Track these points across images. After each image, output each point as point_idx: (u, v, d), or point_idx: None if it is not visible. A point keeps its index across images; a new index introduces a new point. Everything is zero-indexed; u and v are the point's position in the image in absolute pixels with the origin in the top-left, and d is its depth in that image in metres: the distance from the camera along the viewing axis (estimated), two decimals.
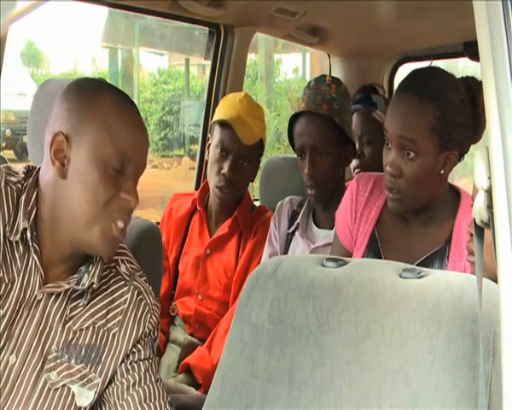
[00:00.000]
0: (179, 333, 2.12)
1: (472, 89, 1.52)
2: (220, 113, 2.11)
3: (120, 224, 1.20)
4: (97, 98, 1.20)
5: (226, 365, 1.07)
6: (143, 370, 1.23)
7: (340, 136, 1.91)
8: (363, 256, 1.61)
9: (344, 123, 1.90)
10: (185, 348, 2.08)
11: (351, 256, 1.65)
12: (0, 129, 9.53)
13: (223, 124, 2.06)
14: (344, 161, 1.97)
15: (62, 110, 1.19)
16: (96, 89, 1.22)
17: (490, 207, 0.75)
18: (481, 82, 1.56)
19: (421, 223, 1.58)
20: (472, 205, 1.31)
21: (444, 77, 1.54)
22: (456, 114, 1.49)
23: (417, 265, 1.51)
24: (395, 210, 1.56)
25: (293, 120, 1.94)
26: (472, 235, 1.30)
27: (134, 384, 1.22)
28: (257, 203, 2.31)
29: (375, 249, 1.61)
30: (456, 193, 1.60)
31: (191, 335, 2.10)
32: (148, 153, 1.26)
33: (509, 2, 0.71)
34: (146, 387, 1.22)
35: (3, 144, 9.67)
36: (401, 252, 1.57)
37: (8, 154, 9.35)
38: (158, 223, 2.23)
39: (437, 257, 1.54)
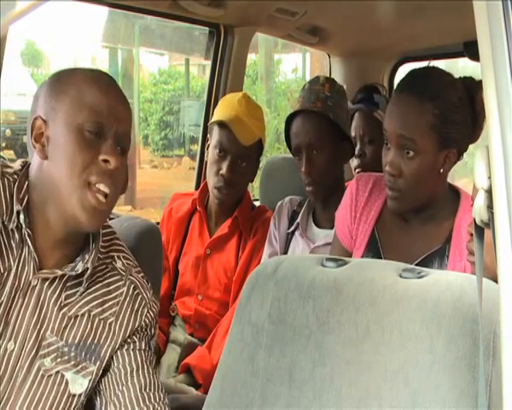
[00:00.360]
0: (179, 333, 2.12)
1: (470, 88, 1.53)
2: (219, 113, 2.11)
3: (102, 187, 1.17)
4: (72, 75, 1.23)
5: (226, 365, 1.07)
6: (140, 360, 1.24)
7: (335, 132, 1.91)
8: (362, 256, 1.61)
9: (338, 119, 1.91)
10: (185, 348, 2.08)
11: (350, 256, 1.65)
12: (0, 129, 9.53)
13: (221, 124, 2.06)
14: (341, 157, 1.97)
15: (39, 99, 1.23)
16: (72, 70, 1.26)
17: (490, 207, 0.75)
18: (480, 82, 1.57)
19: (421, 222, 1.58)
20: (472, 205, 1.32)
21: (442, 76, 1.55)
22: (455, 113, 1.49)
23: (417, 264, 1.51)
24: (395, 209, 1.56)
25: (290, 121, 1.95)
26: (472, 235, 1.31)
27: (132, 372, 1.22)
28: (257, 203, 2.31)
29: (374, 249, 1.61)
30: (455, 193, 1.60)
31: (191, 335, 2.10)
32: (131, 124, 1.25)
33: (508, 3, 0.71)
34: (146, 376, 1.22)
35: (3, 144, 9.66)
36: (401, 251, 1.57)
37: (8, 154, 9.34)
38: (158, 223, 2.23)
39: (437, 256, 1.54)
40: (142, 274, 1.31)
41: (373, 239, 1.62)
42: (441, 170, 1.52)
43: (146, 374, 1.23)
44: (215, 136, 2.08)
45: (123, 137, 1.22)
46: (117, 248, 1.31)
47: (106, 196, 1.18)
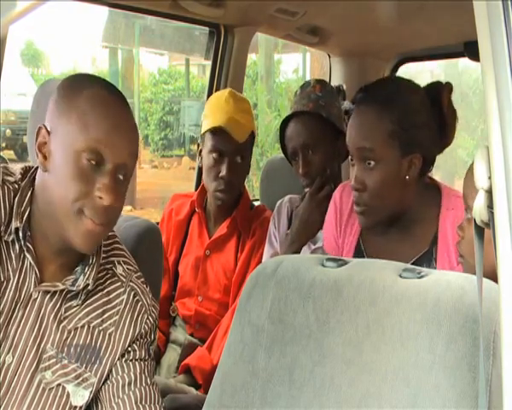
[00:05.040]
0: (179, 333, 2.12)
1: (435, 91, 1.53)
2: (211, 119, 2.07)
3: (95, 220, 1.15)
4: (78, 92, 1.18)
5: (226, 365, 1.07)
6: (139, 370, 1.23)
7: (329, 130, 1.91)
8: None
9: (331, 116, 1.91)
10: (185, 348, 2.08)
11: None
12: (0, 129, 9.53)
13: (215, 129, 2.04)
14: (338, 155, 1.96)
15: (50, 104, 1.21)
16: (81, 83, 1.21)
17: (490, 207, 0.75)
18: (446, 83, 1.57)
19: (403, 227, 1.55)
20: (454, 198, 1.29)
21: (399, 82, 1.55)
22: (416, 116, 1.47)
23: None
24: (364, 224, 1.54)
25: (284, 128, 1.95)
26: (461, 236, 1.31)
27: (130, 384, 1.21)
28: (257, 204, 2.31)
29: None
30: (436, 192, 1.56)
31: (191, 335, 2.10)
32: (137, 146, 1.21)
33: (509, 3, 0.71)
34: (142, 388, 1.21)
35: (3, 144, 9.67)
36: (387, 259, 1.55)
37: (8, 154, 9.35)
38: (158, 223, 2.22)
39: (424, 260, 1.51)
40: (142, 279, 1.31)
41: (358, 250, 1.60)
42: (406, 177, 1.48)
43: (143, 386, 1.22)
44: (208, 141, 2.05)
45: (125, 165, 1.18)
46: (117, 253, 1.30)
47: (98, 223, 1.17)
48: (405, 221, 1.54)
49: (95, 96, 1.17)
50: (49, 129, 1.18)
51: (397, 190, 1.48)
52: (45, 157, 1.18)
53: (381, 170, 1.46)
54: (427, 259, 1.51)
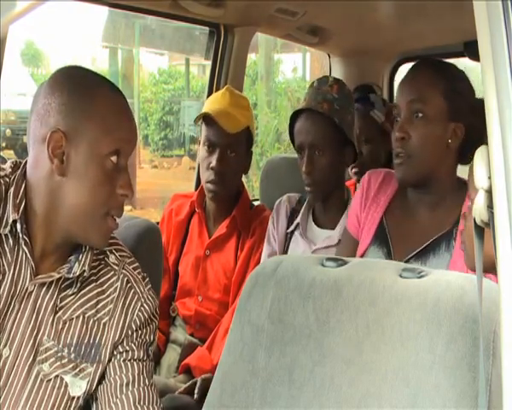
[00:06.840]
0: (180, 333, 2.12)
1: None
2: (204, 109, 2.12)
3: (116, 217, 1.23)
4: (94, 95, 1.20)
5: (226, 365, 1.07)
6: (137, 371, 1.23)
7: (339, 136, 1.90)
8: (370, 243, 1.64)
9: (344, 123, 1.89)
10: (185, 348, 2.08)
11: (357, 245, 1.68)
12: (0, 129, 9.52)
13: (207, 119, 2.07)
14: (343, 162, 1.95)
15: (58, 104, 1.18)
16: (91, 83, 1.22)
17: (490, 207, 0.75)
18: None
19: (429, 210, 1.60)
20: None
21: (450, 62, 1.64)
22: (464, 87, 1.56)
23: (425, 247, 1.55)
24: (402, 177, 1.58)
25: (294, 118, 1.94)
26: (465, 225, 1.31)
27: (128, 384, 1.21)
28: (257, 203, 2.31)
29: (382, 236, 1.64)
30: (462, 182, 1.62)
31: (191, 335, 2.10)
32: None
33: (509, 3, 0.71)
34: (141, 389, 1.22)
35: (3, 144, 9.66)
36: (408, 238, 1.60)
37: (8, 154, 9.33)
38: (158, 223, 2.22)
39: (444, 239, 1.56)
40: (135, 264, 1.31)
41: (381, 227, 1.65)
42: (449, 141, 1.54)
43: (142, 387, 1.22)
44: (203, 133, 2.10)
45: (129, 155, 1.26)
46: (109, 242, 1.30)
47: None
48: (431, 203, 1.60)
49: (108, 96, 1.22)
50: (65, 133, 1.17)
51: (437, 151, 1.55)
52: (61, 161, 1.17)
53: (427, 125, 1.53)
54: (447, 238, 1.56)
